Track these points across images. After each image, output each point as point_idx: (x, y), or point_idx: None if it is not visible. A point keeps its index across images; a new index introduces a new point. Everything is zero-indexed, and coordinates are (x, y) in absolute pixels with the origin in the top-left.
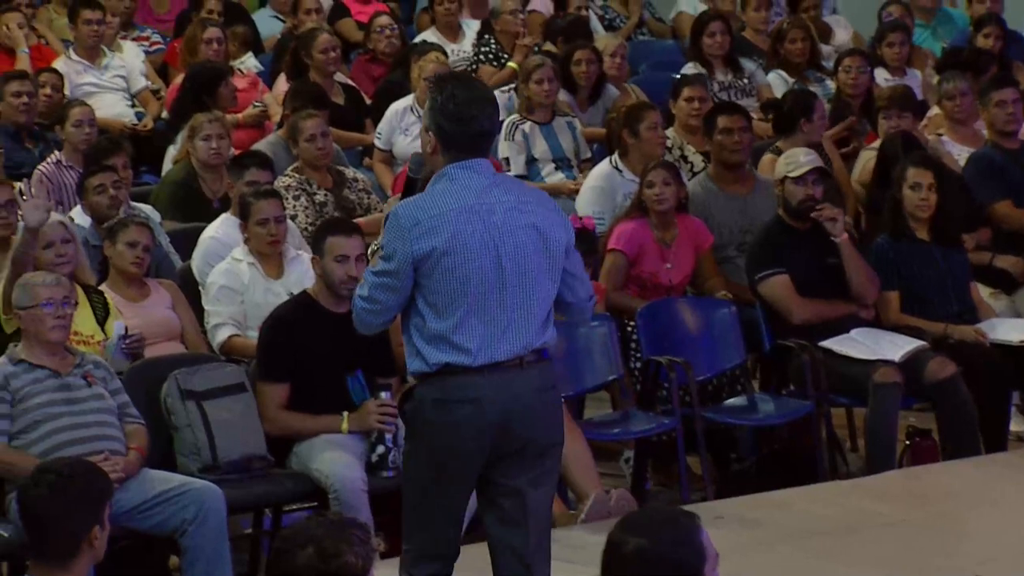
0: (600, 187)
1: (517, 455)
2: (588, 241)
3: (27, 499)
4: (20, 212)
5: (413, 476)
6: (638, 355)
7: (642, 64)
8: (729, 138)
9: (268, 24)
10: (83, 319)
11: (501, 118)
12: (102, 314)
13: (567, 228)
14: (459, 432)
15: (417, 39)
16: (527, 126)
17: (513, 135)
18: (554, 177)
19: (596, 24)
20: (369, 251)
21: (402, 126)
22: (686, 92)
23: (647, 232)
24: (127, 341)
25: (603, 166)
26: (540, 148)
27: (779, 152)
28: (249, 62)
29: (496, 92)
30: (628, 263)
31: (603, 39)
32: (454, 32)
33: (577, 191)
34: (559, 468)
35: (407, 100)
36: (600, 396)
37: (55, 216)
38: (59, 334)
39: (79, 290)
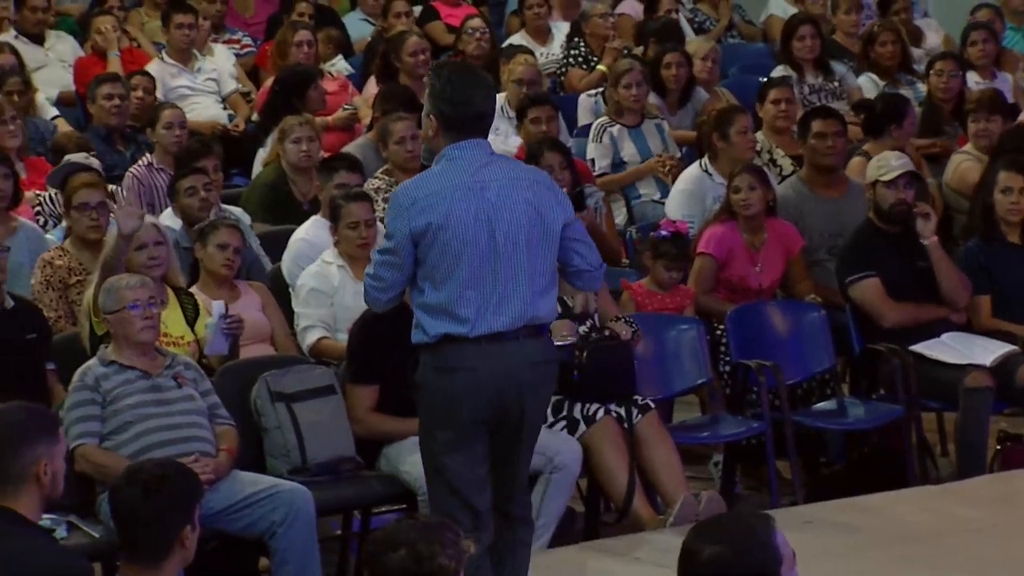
0: (690, 190)
1: (512, 422)
2: (681, 245)
3: (119, 500)
4: (113, 215)
5: (426, 439)
6: (727, 359)
7: (732, 67)
8: (823, 142)
9: (358, 27)
10: (173, 321)
11: (588, 121)
12: (192, 315)
13: (563, 204)
14: (458, 398)
15: (507, 42)
16: (615, 129)
17: (601, 137)
18: (644, 181)
19: (686, 27)
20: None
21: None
22: (772, 95)
23: (736, 236)
24: (227, 321)
25: (693, 169)
26: (628, 151)
27: (868, 155)
28: (339, 65)
29: (583, 95)
30: (717, 266)
31: (694, 42)
32: (543, 35)
33: (664, 164)
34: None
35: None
36: (689, 400)
37: (148, 218)
38: (148, 335)
39: (169, 292)
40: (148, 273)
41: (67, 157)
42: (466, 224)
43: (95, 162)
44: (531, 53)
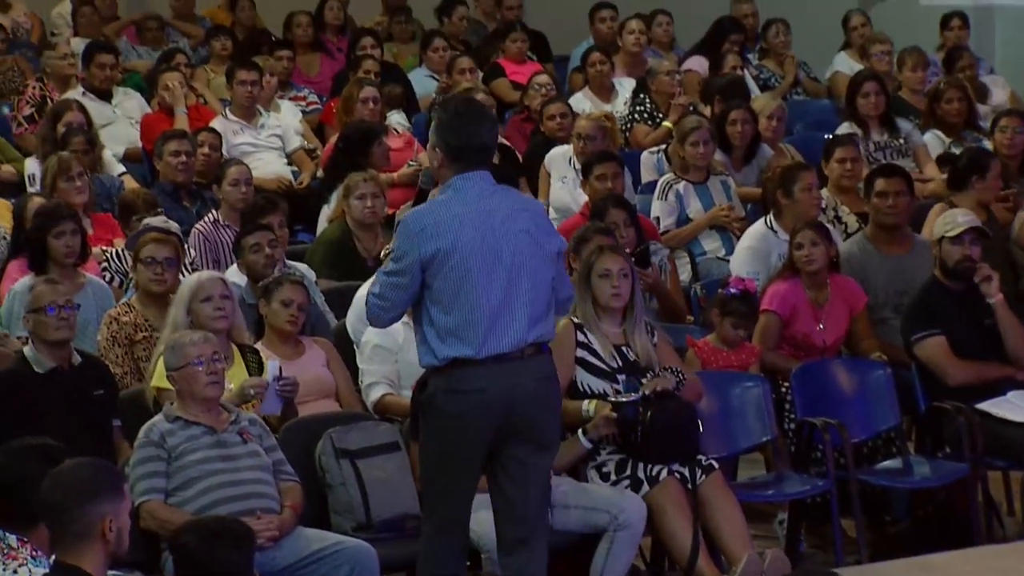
0: (755, 247)
1: (522, 435)
2: (750, 303)
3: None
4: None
5: (428, 460)
6: (792, 416)
7: (797, 124)
8: (884, 201)
9: (423, 83)
10: (238, 378)
11: (651, 178)
12: (257, 373)
13: (557, 235)
14: (467, 420)
15: (571, 99)
16: (681, 185)
17: (667, 195)
18: (708, 236)
19: (751, 83)
20: (382, 254)
21: (560, 172)
22: (838, 153)
23: (800, 293)
24: (280, 383)
25: (758, 226)
26: (694, 207)
27: (953, 206)
28: (394, 119)
29: (646, 153)
30: (781, 323)
31: (760, 99)
32: (607, 92)
33: (727, 214)
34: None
35: (565, 148)
36: (754, 457)
37: (214, 272)
38: (214, 390)
39: (235, 349)
40: (214, 326)
41: (146, 220)
42: (472, 251)
43: (174, 225)
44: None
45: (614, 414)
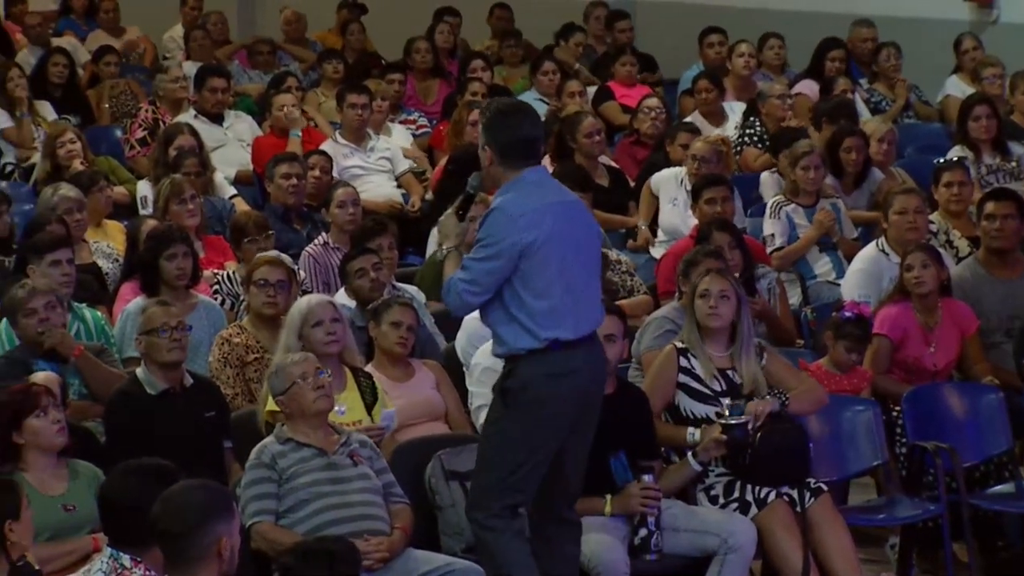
0: (866, 270)
1: (587, 413)
2: (863, 327)
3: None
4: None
5: (510, 438)
6: (903, 440)
7: (908, 147)
8: (992, 224)
9: (535, 106)
10: (351, 401)
11: (771, 197)
12: (370, 399)
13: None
14: (567, 400)
15: (677, 123)
16: (791, 207)
17: (778, 214)
18: (819, 259)
19: (861, 107)
20: (443, 250)
21: (670, 194)
22: (945, 178)
23: (910, 316)
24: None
25: (869, 249)
26: (804, 230)
27: None
28: None
29: (766, 173)
30: (892, 347)
31: (870, 123)
32: (717, 116)
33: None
34: None
35: (676, 171)
36: (865, 481)
37: (324, 296)
38: (323, 403)
39: (347, 373)
40: (325, 350)
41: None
42: (562, 239)
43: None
44: (698, 132)
45: (723, 436)
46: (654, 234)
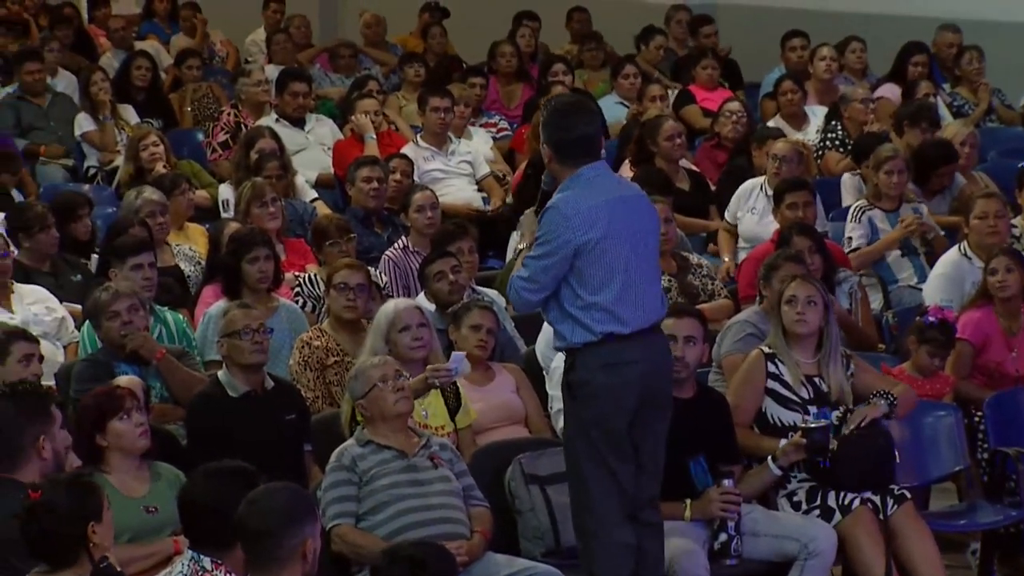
0: (948, 274)
1: (654, 404)
2: (948, 332)
3: None
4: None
5: (581, 438)
6: (985, 445)
7: (991, 151)
8: None
9: (613, 110)
10: (435, 406)
11: (851, 200)
12: (454, 405)
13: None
14: (624, 391)
15: (761, 126)
16: (874, 212)
17: (860, 218)
18: (900, 263)
19: (943, 111)
20: (516, 248)
21: (749, 204)
22: None
23: (992, 321)
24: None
25: (952, 254)
26: (886, 234)
27: None
28: None
29: (847, 175)
30: (974, 352)
31: (951, 126)
32: (799, 119)
33: (911, 226)
34: None
35: (758, 180)
36: (946, 486)
37: (409, 301)
38: (404, 405)
39: None
40: (413, 355)
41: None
42: (621, 236)
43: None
44: (781, 136)
45: (803, 440)
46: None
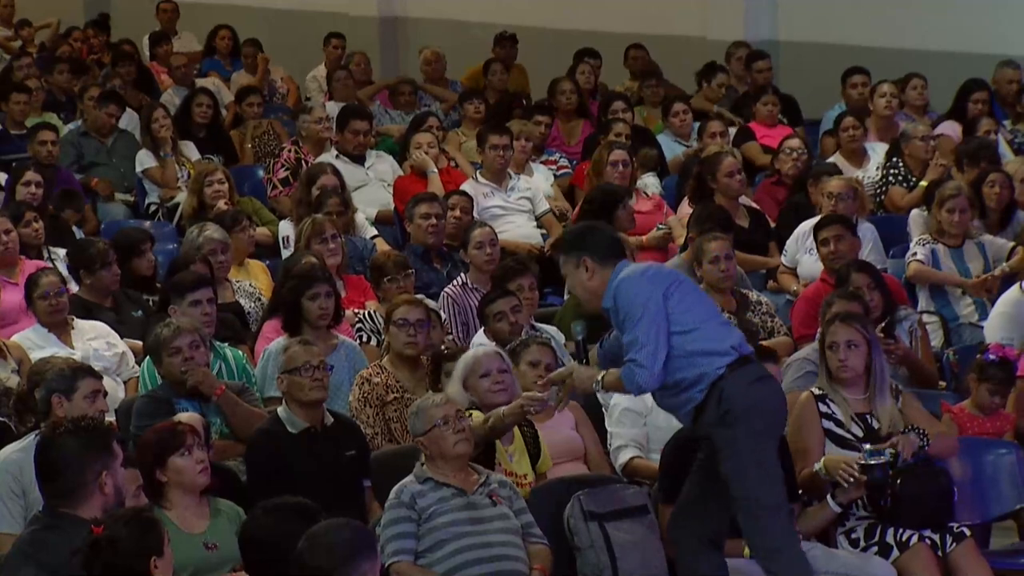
0: (1009, 313)
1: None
2: (1008, 370)
3: None
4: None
5: (756, 467)
6: None
7: None
8: None
9: (672, 146)
10: (519, 456)
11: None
12: (534, 451)
13: None
14: (779, 400)
15: (819, 164)
16: (937, 246)
17: (924, 244)
18: (961, 301)
19: (1004, 148)
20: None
21: (807, 246)
22: None
23: None
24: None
25: (1013, 292)
26: (948, 270)
27: None
28: (648, 181)
29: (915, 210)
30: None
31: (1013, 163)
32: (859, 157)
33: (986, 285)
34: None
35: (814, 220)
36: (1007, 524)
37: (493, 347)
38: (463, 447)
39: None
40: (494, 400)
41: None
42: (679, 278)
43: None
44: (839, 173)
45: (864, 477)
46: None
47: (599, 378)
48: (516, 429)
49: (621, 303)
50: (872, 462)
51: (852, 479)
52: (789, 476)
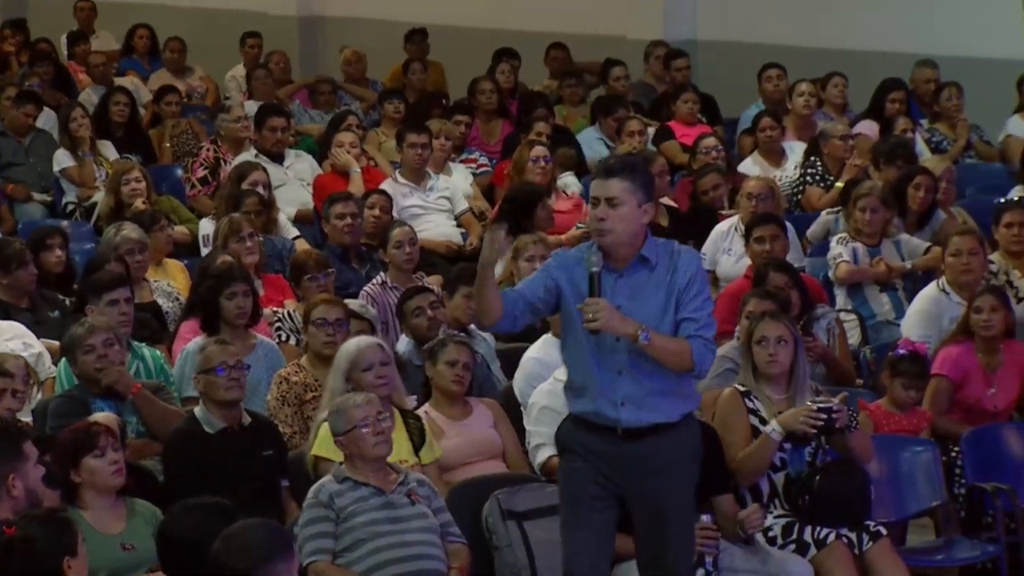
0: (927, 310)
1: None
2: (919, 364)
3: None
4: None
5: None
6: (962, 481)
7: (969, 187)
8: None
9: (593, 145)
10: (399, 443)
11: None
12: (418, 440)
13: None
14: None
15: (741, 165)
16: (856, 244)
17: (845, 243)
18: (879, 299)
19: (922, 147)
20: None
21: (724, 246)
22: (1005, 218)
23: (972, 357)
24: None
25: (930, 289)
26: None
27: None
28: (568, 181)
29: (824, 214)
30: (952, 388)
31: (928, 162)
32: (776, 156)
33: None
34: None
35: (731, 220)
36: (923, 522)
37: (372, 339)
38: (382, 449)
39: (396, 414)
40: (376, 393)
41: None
42: None
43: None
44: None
45: (820, 414)
46: None
47: (647, 332)
48: (399, 415)
49: (699, 275)
50: (822, 404)
51: (821, 421)
52: (721, 469)
